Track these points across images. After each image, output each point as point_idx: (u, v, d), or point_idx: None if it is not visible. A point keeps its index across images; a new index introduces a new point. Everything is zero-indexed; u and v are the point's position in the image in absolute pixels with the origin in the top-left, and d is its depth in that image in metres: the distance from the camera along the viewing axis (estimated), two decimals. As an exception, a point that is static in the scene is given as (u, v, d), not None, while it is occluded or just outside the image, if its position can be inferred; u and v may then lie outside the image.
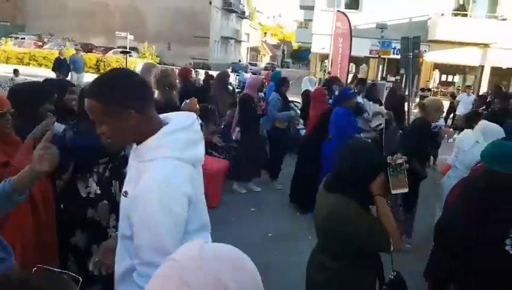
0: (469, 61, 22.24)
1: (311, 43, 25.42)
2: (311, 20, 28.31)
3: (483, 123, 4.15)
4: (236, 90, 11.57)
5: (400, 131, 8.27)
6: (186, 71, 7.83)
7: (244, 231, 4.72)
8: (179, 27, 34.77)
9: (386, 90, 13.36)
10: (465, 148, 4.18)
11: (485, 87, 21.29)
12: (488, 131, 3.81)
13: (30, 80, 3.70)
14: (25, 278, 0.84)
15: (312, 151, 5.44)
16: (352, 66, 21.51)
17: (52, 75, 13.16)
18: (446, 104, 13.41)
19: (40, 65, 22.73)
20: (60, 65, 14.07)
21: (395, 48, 19.59)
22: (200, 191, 1.62)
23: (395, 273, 2.20)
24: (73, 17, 34.91)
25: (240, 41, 52.26)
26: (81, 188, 2.45)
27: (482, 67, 22.36)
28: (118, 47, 26.16)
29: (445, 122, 11.90)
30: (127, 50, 14.88)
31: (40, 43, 28.44)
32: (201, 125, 5.75)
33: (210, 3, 36.63)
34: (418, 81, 21.32)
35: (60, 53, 15.06)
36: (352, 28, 13.67)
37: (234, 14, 46.83)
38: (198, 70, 15.93)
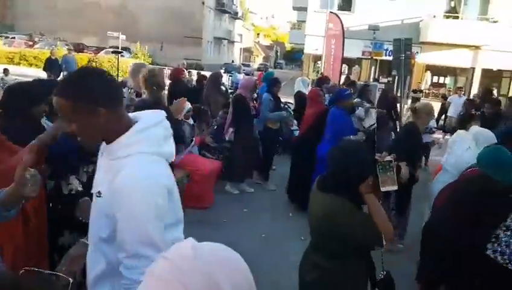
0: (460, 63, 22.41)
1: (304, 44, 25.46)
2: (304, 21, 28.40)
3: (475, 129, 4.18)
4: (229, 91, 11.55)
5: (392, 132, 8.33)
6: (178, 71, 7.82)
7: (236, 232, 4.70)
8: (172, 27, 34.65)
9: (378, 91, 13.42)
10: (457, 152, 4.20)
11: (476, 89, 21.46)
12: (480, 137, 3.84)
13: (21, 80, 3.65)
14: (15, 280, 0.82)
15: (306, 152, 5.44)
16: (345, 68, 21.60)
17: (43, 75, 13.03)
18: (437, 105, 13.57)
19: (31, 65, 22.52)
20: (51, 65, 13.93)
21: (387, 50, 19.71)
22: (175, 185, 1.63)
23: (384, 272, 2.25)
24: (64, 16, 34.65)
25: (232, 42, 52.24)
26: (63, 186, 2.45)
27: (473, 69, 22.55)
28: (110, 47, 26.02)
29: (437, 123, 11.98)
30: (119, 50, 14.77)
31: (30, 43, 28.18)
32: (193, 125, 5.76)
33: (203, 3, 36.56)
34: (410, 82, 21.42)
35: (51, 53, 14.91)
36: (345, 29, 13.72)
37: (227, 15, 46.81)
38: (191, 70, 15.88)
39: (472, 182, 2.89)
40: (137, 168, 1.45)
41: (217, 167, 5.62)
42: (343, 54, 13.38)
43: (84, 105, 1.44)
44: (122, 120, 1.53)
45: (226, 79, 18.30)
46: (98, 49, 29.65)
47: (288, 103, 10.66)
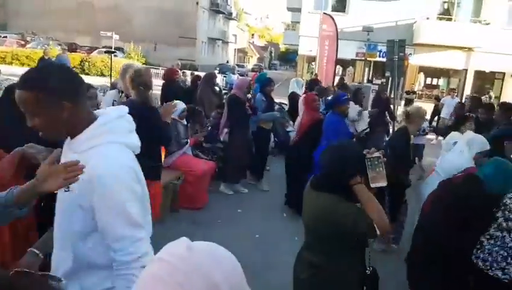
0: (453, 65, 22.56)
1: (298, 45, 25.49)
2: (298, 22, 28.41)
3: (469, 134, 4.21)
4: (224, 91, 11.54)
5: (386, 134, 8.37)
6: (172, 72, 7.79)
7: (230, 232, 4.69)
8: (166, 27, 34.55)
9: (372, 92, 13.48)
10: (450, 155, 4.23)
11: (469, 91, 21.64)
12: (473, 142, 3.86)
13: (13, 80, 3.60)
14: (7, 280, 0.81)
15: (302, 159, 5.37)
16: (339, 69, 21.68)
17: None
18: (430, 106, 13.66)
19: (23, 64, 22.30)
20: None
21: (381, 51, 19.81)
22: (143, 180, 1.66)
23: (371, 268, 2.28)
24: (56, 16, 34.43)
25: (227, 43, 52.21)
26: None
27: (466, 70, 22.71)
28: (103, 47, 25.90)
29: (430, 124, 12.06)
30: (112, 50, 14.69)
31: (22, 42, 27.94)
32: (186, 126, 5.73)
33: (197, 3, 36.50)
34: (403, 84, 21.55)
35: (44, 53, 14.79)
36: (339, 30, 13.78)
37: (221, 15, 46.77)
38: (185, 71, 15.85)
39: (459, 186, 2.90)
40: (109, 156, 1.48)
41: (210, 167, 5.61)
42: (336, 55, 13.42)
43: (48, 97, 1.43)
44: (85, 114, 1.54)
45: (220, 80, 18.29)
46: (91, 49, 29.47)
47: (283, 103, 10.68)
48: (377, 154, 2.12)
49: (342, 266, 2.14)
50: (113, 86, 5.64)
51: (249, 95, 6.23)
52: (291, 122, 7.76)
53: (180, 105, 5.30)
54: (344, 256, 2.15)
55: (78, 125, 1.51)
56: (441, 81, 24.30)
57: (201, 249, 0.81)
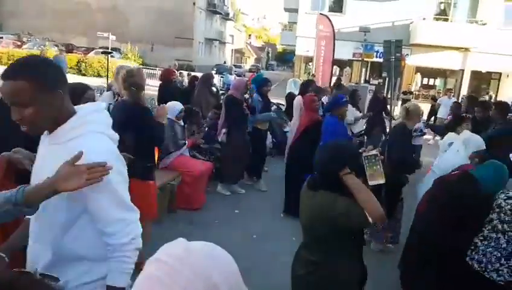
0: (450, 65, 22.63)
1: (295, 45, 25.52)
2: (295, 22, 28.44)
3: (466, 134, 4.22)
4: (221, 92, 11.54)
5: (383, 134, 8.38)
6: (169, 72, 7.78)
7: (227, 233, 4.69)
8: (162, 28, 34.49)
9: (369, 93, 13.50)
10: (446, 155, 4.25)
11: (465, 91, 21.71)
12: (470, 142, 3.88)
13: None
14: (8, 281, 0.80)
15: (301, 159, 5.34)
16: (336, 69, 21.71)
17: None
18: (427, 107, 13.70)
19: (20, 65, 22.24)
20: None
21: (378, 51, 19.85)
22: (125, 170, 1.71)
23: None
24: (53, 16, 34.33)
25: (224, 43, 52.18)
26: None
27: (463, 71, 22.78)
28: (100, 47, 25.87)
29: (427, 124, 12.08)
30: (109, 50, 14.69)
31: (19, 43, 27.84)
32: (183, 126, 5.72)
33: (194, 4, 36.46)
34: (400, 84, 21.64)
35: (41, 54, 14.78)
36: (336, 31, 13.80)
37: (218, 16, 46.74)
38: (182, 71, 15.83)
39: (455, 184, 2.90)
40: (96, 143, 1.52)
41: (208, 168, 5.60)
42: (333, 55, 13.43)
43: (45, 85, 1.44)
44: (69, 106, 1.56)
45: (217, 80, 18.28)
46: (88, 50, 29.41)
47: (280, 104, 10.69)
48: (374, 152, 2.13)
49: (341, 264, 2.15)
50: (110, 88, 5.63)
51: (247, 95, 6.22)
52: (289, 123, 7.77)
53: (178, 106, 5.29)
54: (342, 255, 2.16)
55: (63, 116, 1.52)
56: (438, 82, 24.38)
57: (199, 249, 0.81)
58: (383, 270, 3.88)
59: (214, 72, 17.45)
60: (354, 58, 22.75)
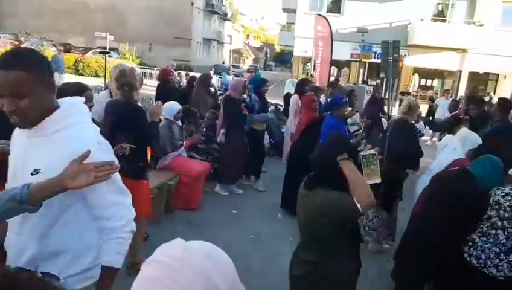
0: (447, 66, 22.68)
1: (293, 46, 25.53)
2: (293, 23, 28.45)
3: (464, 131, 4.24)
4: (219, 92, 11.54)
5: (380, 134, 8.40)
6: (166, 72, 7.77)
7: (225, 233, 4.69)
8: (160, 28, 34.46)
9: (366, 93, 13.53)
10: (443, 153, 4.27)
11: (463, 92, 21.76)
12: (467, 139, 3.90)
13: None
14: (8, 279, 0.80)
15: (301, 159, 5.34)
16: (334, 70, 21.72)
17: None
18: (425, 107, 13.72)
19: (17, 65, 22.16)
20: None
21: (375, 52, 19.86)
22: None
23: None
24: (51, 16, 34.26)
25: (222, 43, 52.17)
26: None
27: (460, 72, 22.84)
28: (98, 47, 25.79)
29: (425, 125, 12.12)
30: (107, 50, 14.64)
31: (16, 42, 27.72)
32: (181, 127, 5.71)
33: (192, 4, 36.44)
34: (398, 85, 21.66)
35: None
36: (334, 31, 13.79)
37: (216, 16, 46.73)
38: (180, 72, 15.81)
39: (454, 183, 2.89)
40: (86, 131, 1.58)
41: (205, 168, 5.60)
42: (331, 56, 13.43)
43: (41, 74, 1.45)
44: (54, 98, 1.58)
45: (215, 80, 18.27)
46: (86, 50, 29.35)
47: (278, 104, 10.70)
48: (372, 151, 2.16)
49: (341, 264, 2.16)
50: (107, 87, 5.62)
51: (245, 96, 6.22)
52: (287, 123, 7.77)
53: (175, 106, 5.29)
54: (340, 254, 2.16)
55: (50, 108, 1.53)
56: (435, 82, 24.44)
57: (199, 249, 0.81)
58: (379, 269, 3.88)
59: (212, 72, 17.43)
60: (352, 59, 22.78)
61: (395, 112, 11.31)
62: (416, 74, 24.20)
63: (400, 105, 12.36)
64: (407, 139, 4.46)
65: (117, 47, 29.93)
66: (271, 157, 8.14)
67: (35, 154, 1.51)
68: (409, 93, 19.07)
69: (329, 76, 13.89)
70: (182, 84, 11.66)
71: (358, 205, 1.95)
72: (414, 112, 4.65)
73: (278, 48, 74.91)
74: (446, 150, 4.20)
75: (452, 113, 9.23)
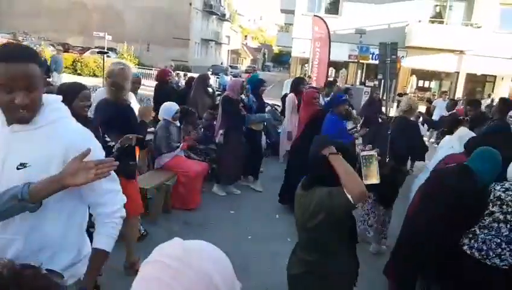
0: (445, 68, 22.77)
1: (291, 47, 25.57)
2: (291, 24, 28.49)
3: (463, 130, 4.26)
4: (217, 92, 11.55)
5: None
6: (164, 73, 7.77)
7: (223, 233, 4.68)
8: (159, 28, 34.44)
9: (364, 94, 13.55)
10: (440, 151, 4.29)
11: (460, 93, 21.84)
12: (464, 138, 3.91)
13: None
14: (13, 273, 0.80)
15: (301, 156, 5.35)
16: (332, 71, 21.75)
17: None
18: (423, 109, 13.75)
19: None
20: (40, 66, 13.77)
21: (373, 54, 19.91)
22: None
23: None
24: (49, 16, 34.16)
25: (220, 44, 52.17)
26: None
27: (458, 73, 22.93)
28: (96, 47, 25.77)
29: (422, 125, 12.13)
30: (105, 50, 14.63)
31: (14, 42, 27.69)
32: (179, 127, 5.71)
33: (190, 4, 36.42)
34: (396, 86, 21.69)
35: (40, 54, 14.72)
36: (332, 32, 13.81)
37: (215, 16, 46.73)
38: (179, 72, 15.81)
39: (454, 181, 2.87)
40: (74, 124, 1.63)
41: (203, 169, 5.60)
42: (329, 57, 13.44)
43: (42, 68, 1.51)
44: None
45: (213, 81, 18.27)
46: (84, 50, 29.29)
47: (276, 105, 10.70)
48: (372, 152, 2.17)
49: (339, 263, 2.17)
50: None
51: (243, 96, 6.22)
52: (285, 123, 7.77)
53: (173, 106, 5.29)
54: (340, 254, 2.17)
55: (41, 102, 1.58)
56: (433, 84, 24.52)
57: (199, 250, 0.81)
58: (379, 269, 3.88)
59: (209, 72, 17.43)
60: (349, 60, 22.83)
61: (393, 113, 11.35)
62: (414, 75, 24.27)
63: (397, 106, 12.41)
64: (409, 136, 4.50)
65: (115, 47, 29.89)
66: (267, 157, 8.14)
67: (20, 148, 1.50)
68: (406, 95, 19.11)
69: (327, 77, 13.90)
70: (180, 84, 11.67)
71: (349, 196, 1.94)
72: (414, 111, 4.80)
73: (276, 49, 74.90)
74: (443, 149, 4.22)
75: (450, 112, 9.27)
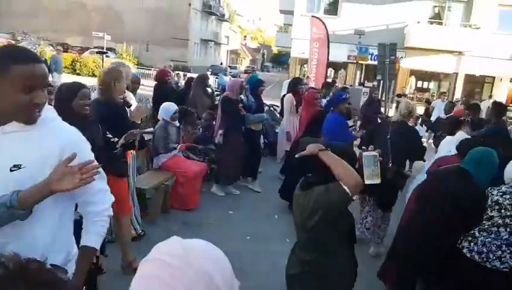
0: (444, 68, 22.79)
1: (290, 47, 25.57)
2: (290, 24, 28.50)
3: (460, 135, 4.27)
4: (216, 93, 11.56)
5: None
6: (163, 73, 7.77)
7: (221, 233, 4.68)
8: (158, 28, 34.44)
9: (363, 95, 13.56)
10: (438, 155, 4.31)
11: (459, 94, 21.86)
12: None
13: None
14: (19, 267, 0.81)
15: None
16: (331, 71, 21.77)
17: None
18: (421, 110, 13.78)
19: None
20: None
21: (372, 54, 19.94)
22: None
23: None
24: (48, 16, 34.16)
25: (219, 44, 52.18)
26: None
27: (456, 74, 22.95)
28: (95, 47, 25.79)
29: (421, 126, 12.17)
30: (104, 50, 14.65)
31: (13, 42, 27.64)
32: (178, 127, 5.71)
33: (189, 5, 36.43)
34: (395, 87, 21.73)
35: (40, 54, 14.73)
36: (331, 33, 13.79)
37: (214, 17, 46.75)
38: (179, 72, 15.82)
39: (451, 185, 2.88)
40: (65, 125, 1.64)
41: (202, 169, 5.60)
42: (328, 57, 13.43)
43: None
44: None
45: (212, 81, 18.28)
46: (83, 50, 29.31)
47: (274, 105, 10.71)
48: (374, 153, 2.19)
49: (338, 263, 2.18)
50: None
51: (242, 96, 6.22)
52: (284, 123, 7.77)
53: (172, 106, 5.29)
54: (339, 254, 2.18)
55: None
56: (432, 85, 24.55)
57: (199, 249, 0.81)
58: (376, 271, 3.89)
59: (209, 73, 17.44)
60: (348, 61, 22.84)
61: (392, 113, 11.36)
62: (413, 76, 24.31)
63: (396, 107, 12.43)
64: (408, 139, 4.52)
65: (114, 47, 29.89)
66: (265, 157, 8.15)
67: (13, 149, 1.48)
68: (405, 95, 19.14)
69: (326, 78, 13.89)
70: (179, 84, 11.66)
71: (345, 187, 1.95)
72: (414, 115, 4.81)
73: (275, 49, 74.92)
74: (441, 152, 4.24)
75: (447, 115, 9.28)
